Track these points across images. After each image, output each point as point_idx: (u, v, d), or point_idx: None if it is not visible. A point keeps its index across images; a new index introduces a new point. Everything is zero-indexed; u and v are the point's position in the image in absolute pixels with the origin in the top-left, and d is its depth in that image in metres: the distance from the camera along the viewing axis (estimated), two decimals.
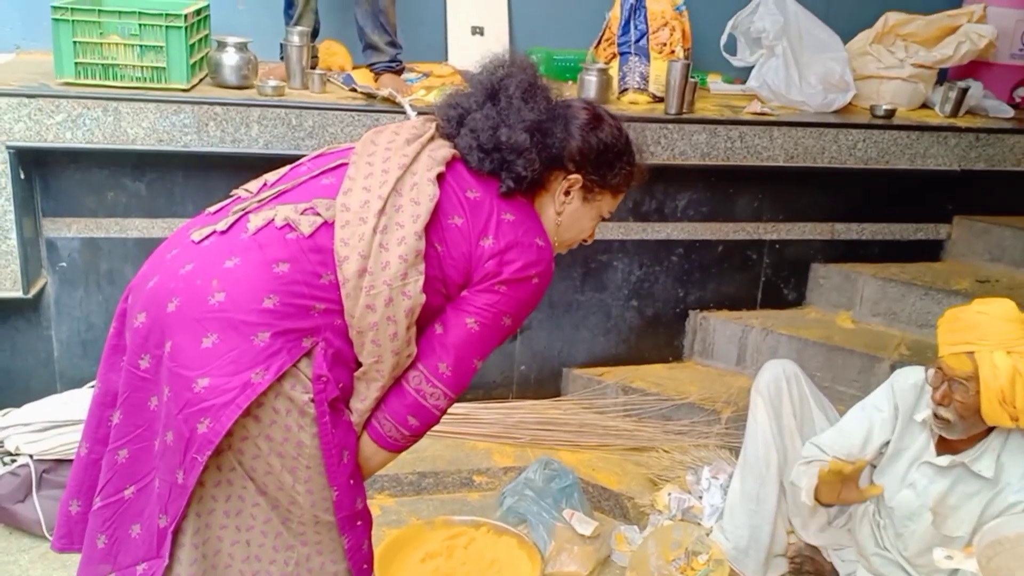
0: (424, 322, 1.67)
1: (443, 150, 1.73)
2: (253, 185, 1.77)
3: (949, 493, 2.32)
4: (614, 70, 3.55)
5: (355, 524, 1.68)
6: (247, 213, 1.65)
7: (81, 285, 3.06)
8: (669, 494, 2.94)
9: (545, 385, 3.57)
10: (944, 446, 2.35)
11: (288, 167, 1.80)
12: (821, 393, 2.77)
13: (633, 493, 3.02)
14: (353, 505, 1.67)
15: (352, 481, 1.67)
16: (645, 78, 3.55)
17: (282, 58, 3.32)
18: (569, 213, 1.82)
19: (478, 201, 1.69)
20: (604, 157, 1.78)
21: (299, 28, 3.19)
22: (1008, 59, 4.16)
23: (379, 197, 1.61)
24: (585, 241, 1.91)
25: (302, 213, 1.62)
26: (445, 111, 1.80)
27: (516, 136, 1.69)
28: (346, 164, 1.70)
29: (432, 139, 1.76)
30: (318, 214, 1.62)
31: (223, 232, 1.63)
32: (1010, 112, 3.94)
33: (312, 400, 1.57)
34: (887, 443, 2.49)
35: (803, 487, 2.47)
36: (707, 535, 2.74)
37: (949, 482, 2.32)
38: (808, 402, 2.70)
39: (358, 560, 1.70)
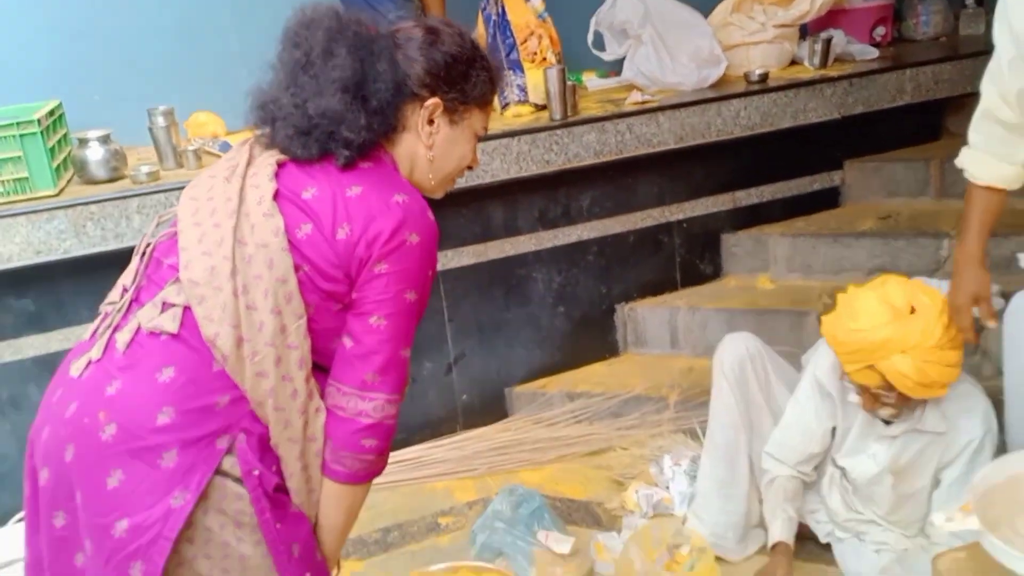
0: (333, 347, 1.55)
1: (264, 168, 1.55)
2: (115, 294, 1.61)
3: (902, 453, 2.38)
4: None
5: None
6: (115, 331, 1.52)
7: None
8: (637, 491, 2.92)
9: (491, 409, 3.54)
10: None
11: (135, 259, 1.62)
12: (779, 358, 2.76)
13: (601, 498, 3.00)
14: None
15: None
16: (524, 89, 3.55)
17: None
18: (440, 143, 1.64)
19: (317, 196, 1.51)
20: (456, 70, 1.61)
21: (162, 108, 3.09)
22: (862, 2, 4.32)
23: (224, 258, 1.46)
24: (471, 167, 1.73)
25: (162, 311, 1.49)
26: (256, 114, 1.60)
27: (327, 102, 1.50)
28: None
29: (250, 162, 1.57)
30: (175, 304, 1.49)
31: (99, 360, 1.50)
32: (875, 52, 4.08)
33: (250, 500, 1.46)
34: (835, 428, 2.51)
35: (770, 528, 2.52)
36: (683, 523, 2.73)
37: (901, 443, 2.38)
38: (771, 375, 2.69)
39: None
